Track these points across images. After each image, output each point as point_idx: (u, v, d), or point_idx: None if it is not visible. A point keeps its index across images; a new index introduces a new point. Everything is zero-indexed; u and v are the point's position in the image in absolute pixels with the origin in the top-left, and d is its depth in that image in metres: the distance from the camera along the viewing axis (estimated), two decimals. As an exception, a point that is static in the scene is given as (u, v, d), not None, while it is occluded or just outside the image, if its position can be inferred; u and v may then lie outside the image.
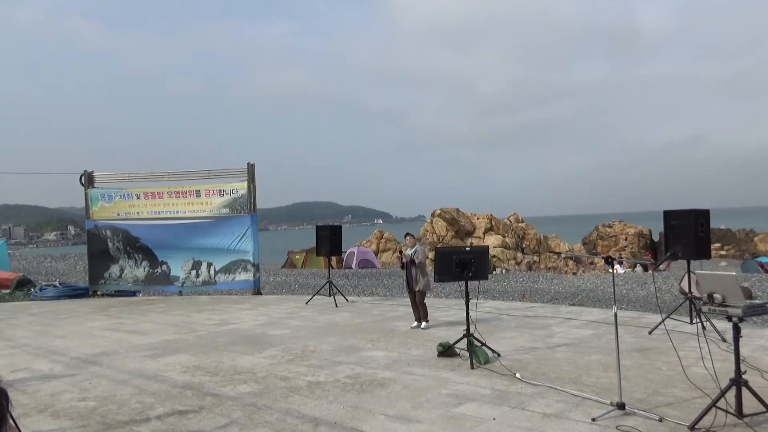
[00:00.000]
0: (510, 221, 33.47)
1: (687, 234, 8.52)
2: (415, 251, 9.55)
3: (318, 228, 14.03)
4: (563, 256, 30.28)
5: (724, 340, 7.66)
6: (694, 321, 8.51)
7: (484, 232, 32.35)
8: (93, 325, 11.19)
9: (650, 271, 25.04)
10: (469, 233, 32.62)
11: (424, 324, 9.56)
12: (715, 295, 4.73)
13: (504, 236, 31.76)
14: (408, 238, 9.92)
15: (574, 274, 25.72)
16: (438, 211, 32.88)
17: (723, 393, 4.76)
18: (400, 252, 9.78)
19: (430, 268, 10.03)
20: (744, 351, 6.02)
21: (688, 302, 8.88)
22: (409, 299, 10.07)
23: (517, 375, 6.44)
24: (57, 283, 17.48)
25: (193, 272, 15.88)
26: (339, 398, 5.87)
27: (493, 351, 7.39)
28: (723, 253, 38.92)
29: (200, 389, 6.36)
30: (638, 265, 28.40)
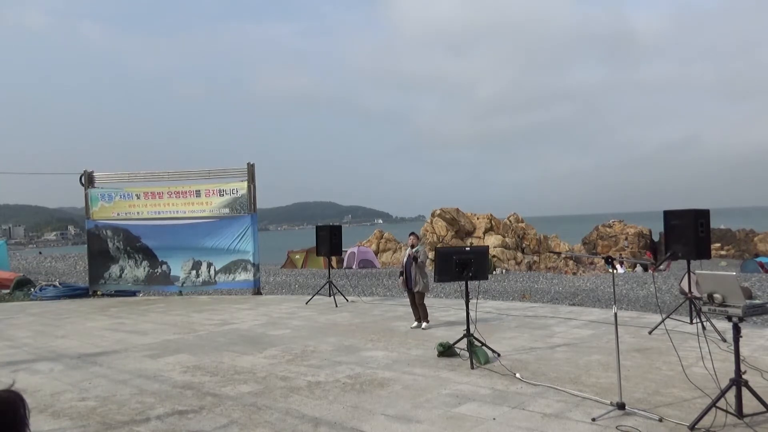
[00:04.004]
0: (510, 221, 33.43)
1: (687, 234, 8.51)
2: (416, 251, 9.57)
3: (318, 228, 14.03)
4: (563, 256, 30.24)
5: (724, 340, 7.66)
6: (694, 321, 8.51)
7: (484, 232, 32.32)
8: (93, 325, 11.19)
9: (650, 271, 25.02)
10: (469, 233, 32.59)
11: (424, 324, 9.56)
12: (715, 295, 4.73)
13: (504, 236, 31.73)
14: (411, 237, 9.95)
15: (574, 274, 25.70)
16: (438, 211, 32.84)
17: (723, 393, 4.76)
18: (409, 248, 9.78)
19: (429, 268, 10.04)
20: (744, 351, 6.03)
21: (688, 302, 8.88)
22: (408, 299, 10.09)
23: (517, 375, 6.44)
24: (57, 283, 17.47)
25: (193, 272, 15.87)
26: (339, 398, 5.87)
27: (493, 351, 7.39)
28: (723, 253, 38.88)
29: (200, 389, 6.36)
30: (638, 265, 28.37)
